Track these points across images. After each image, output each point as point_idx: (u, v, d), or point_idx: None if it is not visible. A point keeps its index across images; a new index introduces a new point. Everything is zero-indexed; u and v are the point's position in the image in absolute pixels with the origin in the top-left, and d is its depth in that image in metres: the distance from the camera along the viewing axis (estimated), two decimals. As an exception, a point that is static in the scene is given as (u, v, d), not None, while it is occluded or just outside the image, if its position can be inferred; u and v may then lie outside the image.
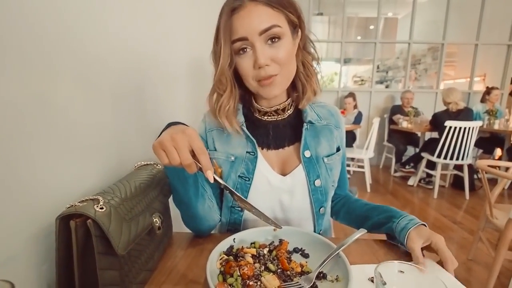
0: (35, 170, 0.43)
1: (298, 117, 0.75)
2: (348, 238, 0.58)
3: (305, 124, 0.73)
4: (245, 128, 0.71)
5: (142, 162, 0.67)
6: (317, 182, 0.72)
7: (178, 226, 0.76)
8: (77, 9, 0.52)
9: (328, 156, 0.75)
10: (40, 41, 0.44)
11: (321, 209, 0.74)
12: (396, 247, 0.66)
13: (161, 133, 0.52)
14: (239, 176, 0.71)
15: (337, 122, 0.79)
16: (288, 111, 0.74)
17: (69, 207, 0.41)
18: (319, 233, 0.77)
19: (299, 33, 0.66)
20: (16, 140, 0.39)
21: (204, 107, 0.79)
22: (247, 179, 0.71)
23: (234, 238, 0.61)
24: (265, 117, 0.73)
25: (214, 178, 0.49)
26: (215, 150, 0.75)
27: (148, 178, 0.59)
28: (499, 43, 4.39)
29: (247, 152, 0.72)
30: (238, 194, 0.54)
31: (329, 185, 0.75)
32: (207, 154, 0.48)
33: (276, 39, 0.60)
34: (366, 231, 0.62)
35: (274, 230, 0.65)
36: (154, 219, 0.55)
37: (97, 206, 0.42)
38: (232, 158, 0.72)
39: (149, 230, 0.54)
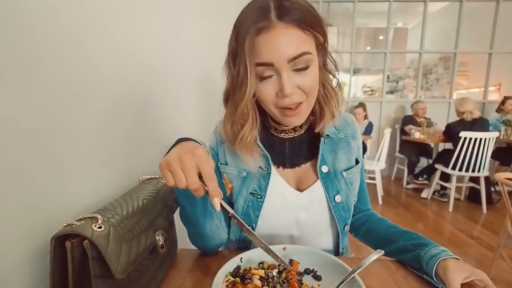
0: (29, 186, 0.40)
1: (314, 131, 0.70)
2: (365, 260, 0.54)
3: (322, 138, 0.68)
4: (260, 143, 0.67)
5: (147, 176, 0.64)
6: (338, 198, 0.68)
7: (184, 242, 0.73)
8: (84, 20, 0.51)
9: (347, 169, 0.71)
10: (46, 55, 0.42)
11: (345, 227, 0.70)
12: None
13: (169, 150, 0.49)
14: (250, 193, 0.68)
15: (354, 131, 0.75)
16: (305, 126, 0.70)
17: (65, 226, 0.39)
18: (342, 252, 0.73)
19: (323, 51, 0.61)
20: (11, 154, 0.37)
21: (213, 119, 0.77)
22: (259, 196, 0.67)
23: (241, 258, 0.58)
24: (282, 134, 0.70)
25: (221, 206, 0.45)
26: (226, 164, 0.71)
27: (152, 193, 0.56)
28: (514, 52, 4.28)
29: (260, 167, 0.68)
30: (246, 226, 0.50)
31: (350, 200, 0.71)
32: (216, 179, 0.44)
33: (304, 68, 0.55)
34: (383, 252, 0.57)
35: (284, 249, 0.61)
36: (157, 237, 0.52)
37: (95, 225, 0.39)
38: (244, 173, 0.69)
39: (152, 248, 0.51)
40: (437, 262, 0.54)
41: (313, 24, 0.55)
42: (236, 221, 0.49)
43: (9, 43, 0.37)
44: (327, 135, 0.69)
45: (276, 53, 0.52)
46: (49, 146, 0.44)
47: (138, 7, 0.71)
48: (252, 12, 0.54)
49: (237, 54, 0.55)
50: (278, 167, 0.69)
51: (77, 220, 0.40)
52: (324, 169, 0.68)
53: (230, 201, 0.72)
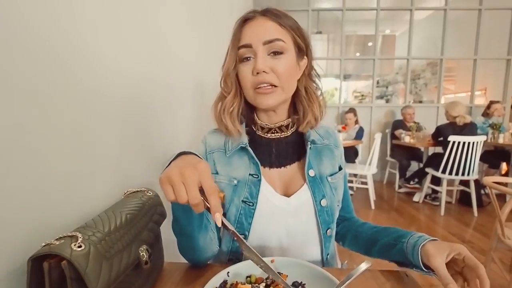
0: (6, 203, 0.39)
1: (300, 136, 0.75)
2: (353, 272, 0.54)
3: (309, 143, 0.71)
4: (249, 149, 0.69)
5: (133, 189, 0.63)
6: (323, 202, 0.70)
7: (170, 255, 0.72)
8: (79, 30, 0.51)
9: (332, 175, 0.73)
10: (41, 69, 0.41)
11: (328, 231, 0.71)
12: (401, 280, 0.61)
13: (169, 163, 0.49)
14: (242, 201, 0.68)
15: (336, 141, 0.79)
16: (291, 129, 0.74)
17: (44, 246, 0.38)
18: (327, 258, 0.73)
19: (305, 60, 0.70)
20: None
21: (205, 128, 0.77)
22: (251, 204, 0.68)
23: (228, 272, 0.57)
24: (269, 135, 0.73)
25: (222, 223, 0.45)
26: (217, 173, 0.72)
27: (137, 207, 0.55)
28: (497, 58, 4.41)
29: (250, 174, 0.69)
30: (246, 244, 0.48)
31: (334, 205, 0.72)
32: (217, 194, 0.44)
33: (278, 53, 0.63)
34: (370, 264, 0.57)
35: (272, 261, 0.60)
36: (142, 253, 0.51)
37: (74, 245, 0.38)
38: (235, 181, 0.70)
39: (136, 264, 0.50)
40: (419, 252, 0.57)
41: (292, 27, 0.65)
42: (235, 238, 0.48)
43: (10, 45, 0.36)
44: (313, 140, 0.72)
45: (253, 36, 0.63)
46: (29, 159, 0.43)
47: (128, 23, 0.71)
48: (245, 13, 0.67)
49: (229, 44, 0.67)
50: (264, 167, 0.72)
51: (56, 239, 0.39)
52: (311, 173, 0.70)
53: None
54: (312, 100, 0.72)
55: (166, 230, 0.65)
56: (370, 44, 5.17)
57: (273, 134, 0.73)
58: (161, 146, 0.94)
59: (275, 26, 0.63)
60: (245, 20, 0.65)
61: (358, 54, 5.54)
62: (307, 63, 0.70)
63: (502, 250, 1.89)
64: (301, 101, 0.72)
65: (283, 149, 0.72)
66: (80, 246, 0.38)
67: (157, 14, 0.91)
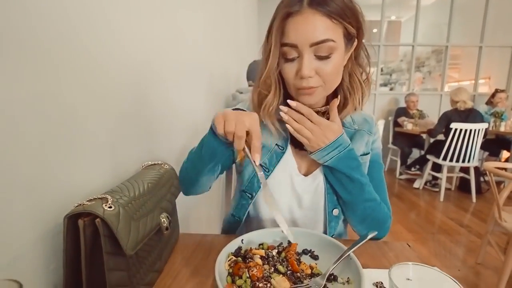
0: (42, 169, 0.42)
1: None
2: (359, 240, 0.57)
3: None
4: (279, 124, 0.70)
5: (150, 162, 0.66)
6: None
7: (184, 227, 0.76)
8: (88, 14, 0.52)
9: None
10: (50, 44, 0.43)
11: (334, 211, 0.72)
12: (406, 249, 0.65)
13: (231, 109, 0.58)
14: (260, 164, 0.70)
15: (371, 127, 0.76)
16: (328, 114, 0.70)
17: (77, 206, 0.41)
18: (332, 236, 0.75)
19: (355, 43, 0.63)
20: (23, 139, 0.39)
21: (215, 108, 0.79)
22: (266, 169, 0.71)
23: (242, 239, 0.60)
24: None
25: (254, 163, 0.53)
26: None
27: (156, 178, 0.58)
28: (503, 45, 4.36)
29: (276, 144, 0.72)
30: (268, 189, 0.57)
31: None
32: (261, 140, 0.53)
33: (325, 55, 0.57)
34: (376, 232, 0.60)
35: (282, 231, 0.64)
36: (162, 219, 0.54)
37: (105, 205, 0.41)
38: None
39: (157, 230, 0.53)
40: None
41: (343, 15, 0.57)
42: (260, 181, 0.57)
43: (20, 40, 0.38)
44: (343, 123, 0.71)
45: (300, 35, 0.56)
46: (60, 131, 0.45)
47: (138, 6, 0.72)
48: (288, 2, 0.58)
49: (269, 33, 0.61)
50: (295, 147, 0.72)
51: (88, 200, 0.42)
52: None
53: (239, 166, 0.77)
54: (355, 89, 0.67)
55: (180, 205, 0.69)
56: (375, 30, 5.09)
57: None
58: (175, 126, 0.97)
59: (324, 22, 0.55)
60: (289, 14, 0.56)
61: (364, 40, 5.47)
62: (356, 45, 0.64)
63: (498, 233, 1.95)
64: (343, 89, 0.68)
65: None
66: (110, 207, 0.41)
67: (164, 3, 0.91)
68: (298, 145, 0.72)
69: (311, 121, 0.63)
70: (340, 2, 0.56)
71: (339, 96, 0.68)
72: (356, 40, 0.63)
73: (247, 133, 0.53)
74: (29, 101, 0.39)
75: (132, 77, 0.69)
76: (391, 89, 5.74)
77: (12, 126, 0.37)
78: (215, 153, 0.62)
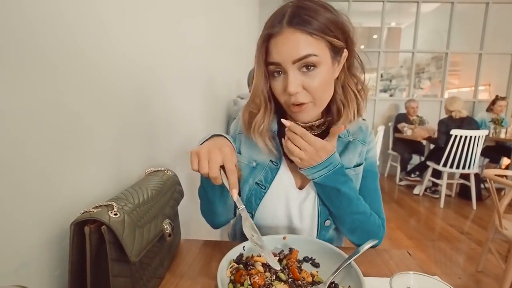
0: (47, 176, 0.43)
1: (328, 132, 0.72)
2: (360, 248, 0.58)
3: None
4: (276, 138, 0.71)
5: (153, 168, 0.67)
6: None
7: (185, 233, 0.76)
8: (89, 19, 0.53)
9: (347, 169, 0.72)
10: (52, 51, 0.44)
11: (326, 222, 0.72)
12: (407, 257, 0.65)
13: (202, 143, 0.59)
14: (256, 182, 0.72)
15: (365, 136, 0.75)
16: (322, 127, 0.71)
17: (83, 213, 0.41)
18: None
19: (344, 53, 0.62)
20: (30, 146, 0.40)
21: (217, 115, 0.80)
22: (263, 187, 0.72)
23: (244, 246, 0.61)
24: None
25: (232, 198, 0.54)
26: (240, 153, 0.76)
27: (159, 184, 0.59)
28: (503, 53, 4.39)
29: (270, 160, 0.72)
30: (251, 221, 0.56)
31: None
32: (236, 174, 0.54)
33: (311, 67, 0.58)
34: (377, 240, 0.61)
35: (284, 238, 0.64)
36: (165, 226, 0.55)
37: (111, 212, 0.42)
38: (254, 164, 0.73)
39: (160, 236, 0.54)
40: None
41: (325, 30, 0.57)
42: (242, 214, 0.56)
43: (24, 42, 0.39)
44: (338, 136, 0.70)
45: (282, 54, 0.57)
46: (66, 140, 0.46)
47: (141, 13, 0.73)
48: (272, 16, 0.60)
49: (256, 53, 0.62)
50: (291, 162, 0.69)
51: (94, 208, 0.42)
52: None
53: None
54: (349, 100, 0.66)
55: (181, 211, 0.70)
56: (375, 36, 5.13)
57: None
58: (178, 132, 0.98)
59: (305, 39, 0.56)
60: (270, 36, 0.58)
61: (362, 46, 5.51)
62: (347, 55, 0.63)
63: (499, 241, 1.95)
64: (336, 102, 0.67)
65: None
66: (116, 214, 0.42)
67: (166, 6, 0.93)
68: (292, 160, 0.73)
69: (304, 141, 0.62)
70: (322, 18, 0.56)
71: (340, 124, 0.66)
72: (346, 50, 0.62)
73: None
74: (34, 110, 0.40)
75: (134, 84, 0.70)
76: (391, 95, 5.77)
77: (19, 135, 0.38)
78: (214, 185, 0.60)
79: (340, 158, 0.68)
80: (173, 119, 0.96)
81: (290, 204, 0.72)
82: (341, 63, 0.63)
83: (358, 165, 0.74)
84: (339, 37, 0.59)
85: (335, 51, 0.60)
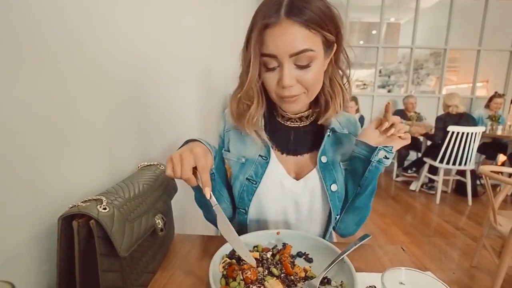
0: (37, 169, 0.42)
1: (319, 126, 0.73)
2: (353, 244, 0.57)
3: (328, 130, 0.71)
4: (265, 132, 0.70)
5: (145, 163, 0.66)
6: (333, 187, 0.71)
7: (180, 228, 0.76)
8: (81, 11, 0.52)
9: (345, 161, 0.73)
10: (44, 42, 0.43)
11: (337, 216, 0.73)
12: (401, 253, 0.65)
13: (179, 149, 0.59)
14: (246, 178, 0.72)
15: (356, 129, 0.77)
16: (311, 118, 0.73)
17: (71, 207, 0.41)
18: (327, 238, 0.76)
19: (334, 47, 0.63)
20: (18, 139, 0.39)
21: (213, 109, 0.79)
22: (254, 182, 0.71)
23: (237, 241, 0.60)
24: (288, 123, 0.73)
25: (210, 196, 0.54)
26: (229, 151, 0.76)
27: (152, 179, 0.58)
28: (501, 49, 4.39)
29: (259, 155, 0.72)
30: (226, 220, 0.55)
31: (344, 191, 0.74)
32: (208, 172, 0.54)
33: (306, 62, 0.58)
34: (370, 236, 0.61)
35: (277, 233, 0.64)
36: (157, 220, 0.54)
37: (100, 207, 0.41)
38: (243, 160, 0.73)
39: (152, 231, 0.53)
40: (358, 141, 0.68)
41: (321, 24, 0.56)
42: (216, 211, 0.55)
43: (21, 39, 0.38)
44: (333, 128, 0.72)
45: (279, 47, 0.56)
46: (56, 132, 0.45)
47: (137, 5, 0.72)
48: (266, 5, 0.57)
49: (248, 43, 0.59)
50: (282, 153, 0.73)
51: (83, 202, 0.42)
52: (324, 159, 0.71)
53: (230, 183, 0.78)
54: (336, 92, 0.68)
55: (175, 205, 0.69)
56: (374, 32, 5.11)
57: (292, 123, 0.72)
58: (172, 126, 0.97)
59: (303, 33, 0.55)
60: (267, 26, 0.56)
61: (361, 42, 5.49)
62: (336, 49, 0.63)
63: (493, 237, 1.96)
64: (324, 94, 0.68)
65: (301, 138, 0.73)
66: (105, 208, 0.42)
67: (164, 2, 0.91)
68: (284, 150, 0.73)
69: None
70: (317, 10, 0.55)
71: (329, 115, 0.70)
72: (335, 44, 0.63)
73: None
74: (24, 101, 0.39)
75: (128, 77, 0.69)
76: (389, 91, 5.76)
77: (7, 126, 0.37)
78: (199, 189, 0.61)
79: (340, 151, 0.73)
80: (167, 112, 0.95)
81: (286, 196, 0.72)
82: (330, 57, 0.63)
83: None
84: (332, 31, 0.59)
85: (328, 45, 0.61)
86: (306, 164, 0.73)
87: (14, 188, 0.38)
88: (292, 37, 0.55)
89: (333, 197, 0.71)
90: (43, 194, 0.43)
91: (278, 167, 0.72)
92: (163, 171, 0.64)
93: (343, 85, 0.69)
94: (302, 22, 0.54)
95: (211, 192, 0.54)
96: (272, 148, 0.72)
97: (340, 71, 0.68)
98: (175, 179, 0.64)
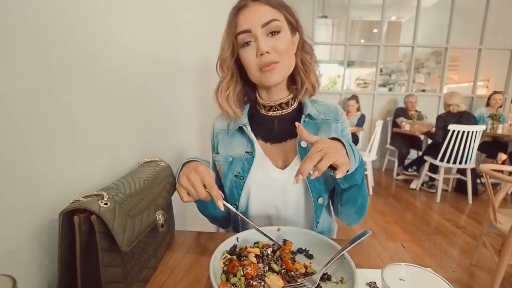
0: (38, 165, 0.42)
1: (301, 113, 0.77)
2: (353, 240, 0.57)
3: (303, 116, 0.76)
4: (246, 128, 0.75)
5: (146, 159, 0.66)
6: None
7: (181, 224, 0.76)
8: (81, 7, 0.52)
9: None
10: (44, 39, 0.43)
11: (319, 199, 0.74)
12: (401, 250, 0.65)
13: (178, 173, 0.63)
14: (235, 175, 0.75)
15: (337, 116, 0.80)
16: (292, 106, 0.78)
17: (73, 202, 0.41)
18: (317, 224, 0.77)
19: (297, 35, 0.73)
20: (20, 135, 0.39)
21: (212, 105, 0.79)
22: (241, 177, 0.75)
23: (238, 238, 0.61)
24: (271, 112, 0.77)
25: (225, 206, 0.58)
26: (218, 153, 0.80)
27: (152, 175, 0.58)
28: (502, 48, 4.37)
29: (246, 152, 0.75)
30: (243, 217, 0.62)
31: (326, 174, 0.74)
32: (215, 187, 0.58)
33: (276, 32, 0.67)
34: (370, 232, 0.61)
35: (278, 230, 0.64)
36: (158, 216, 0.54)
37: (101, 202, 0.41)
38: (230, 159, 0.77)
39: (152, 227, 0.53)
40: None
41: (281, 5, 0.69)
42: (235, 214, 0.62)
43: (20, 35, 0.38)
44: (309, 114, 0.76)
45: (250, 21, 0.66)
46: (56, 128, 0.45)
47: (137, 2, 0.72)
48: (235, 3, 0.69)
49: (225, 33, 0.70)
50: (266, 143, 0.77)
51: (84, 197, 0.42)
52: (303, 144, 0.73)
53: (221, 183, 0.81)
54: (309, 70, 0.76)
55: (175, 202, 0.69)
56: (375, 30, 5.09)
57: (274, 112, 0.77)
58: (172, 123, 0.97)
59: (268, 9, 0.67)
60: (238, 9, 0.68)
61: (362, 40, 5.47)
62: (299, 37, 0.74)
63: (493, 235, 1.97)
64: (298, 73, 0.75)
65: (284, 125, 0.77)
66: (106, 203, 0.42)
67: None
68: (268, 139, 0.77)
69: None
70: (278, 0, 0.68)
71: (300, 123, 0.72)
72: (298, 33, 0.73)
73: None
74: (25, 98, 0.39)
75: (129, 74, 0.69)
76: (390, 90, 5.75)
77: (8, 122, 0.37)
78: (204, 203, 0.70)
79: (320, 136, 0.71)
80: (168, 109, 0.95)
81: (273, 186, 0.74)
82: (296, 43, 0.73)
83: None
84: (291, 15, 0.71)
85: (291, 26, 0.71)
86: (290, 150, 0.76)
87: (15, 183, 0.38)
88: (259, 12, 0.66)
89: (312, 180, 0.73)
90: (44, 189, 0.43)
91: (264, 160, 0.75)
92: (164, 168, 0.64)
93: (314, 64, 0.77)
94: (266, 2, 0.67)
95: (224, 202, 0.58)
96: (258, 140, 0.76)
97: (308, 55, 0.76)
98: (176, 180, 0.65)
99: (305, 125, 0.75)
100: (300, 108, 0.78)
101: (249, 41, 0.67)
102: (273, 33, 0.67)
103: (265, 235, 0.61)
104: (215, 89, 0.76)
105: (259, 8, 0.67)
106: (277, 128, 0.77)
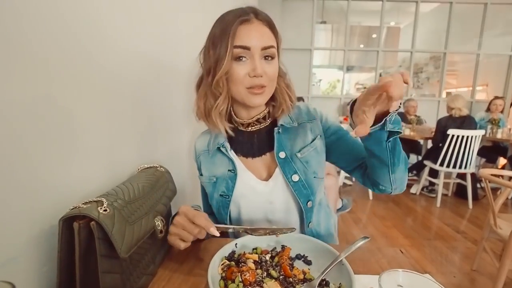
0: (38, 171, 0.43)
1: (275, 123, 0.78)
2: (351, 246, 0.58)
3: (276, 128, 0.76)
4: (225, 149, 0.75)
5: (145, 165, 0.67)
6: (295, 177, 0.73)
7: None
8: (83, 11, 0.53)
9: (300, 150, 0.76)
10: (45, 43, 0.44)
11: (308, 203, 0.75)
12: (399, 256, 0.66)
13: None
14: (220, 195, 0.76)
15: (309, 115, 0.80)
16: (269, 119, 0.77)
17: (72, 209, 0.41)
18: (309, 224, 0.77)
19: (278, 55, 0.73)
20: (20, 141, 0.40)
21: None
22: (226, 196, 0.76)
23: (236, 244, 0.61)
24: (249, 128, 0.77)
25: (218, 229, 0.58)
26: (201, 175, 0.81)
27: (151, 181, 0.59)
28: (501, 53, 4.40)
29: (228, 170, 0.76)
30: (249, 229, 0.61)
31: (310, 177, 0.75)
32: (202, 217, 0.58)
33: (270, 58, 0.67)
34: (369, 238, 0.61)
35: (276, 236, 0.64)
36: (157, 222, 0.55)
37: (100, 208, 0.42)
38: (214, 179, 0.78)
39: (151, 233, 0.54)
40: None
41: (276, 30, 0.70)
42: (232, 231, 0.63)
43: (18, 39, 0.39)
44: (281, 125, 0.76)
45: (253, 40, 0.65)
46: (56, 134, 0.46)
47: (137, 7, 0.73)
48: (233, 12, 0.67)
49: (219, 40, 0.65)
50: (247, 158, 0.78)
51: (84, 203, 0.42)
52: (282, 155, 0.74)
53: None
54: (284, 92, 0.75)
55: (175, 208, 0.69)
56: (374, 35, 5.13)
57: (253, 127, 0.77)
58: (172, 129, 0.97)
59: (269, 33, 0.67)
60: (241, 22, 0.65)
61: (362, 45, 5.51)
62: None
63: (493, 240, 1.96)
64: (277, 94, 0.75)
65: (263, 139, 0.77)
66: (105, 210, 0.42)
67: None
68: (249, 155, 0.77)
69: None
70: (271, 20, 0.69)
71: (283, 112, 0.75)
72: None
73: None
74: (25, 103, 0.40)
75: (129, 79, 0.70)
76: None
77: (8, 128, 0.38)
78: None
79: (294, 144, 0.76)
80: (168, 114, 0.96)
81: (260, 199, 0.75)
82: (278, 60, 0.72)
83: (314, 139, 0.77)
84: (278, 39, 0.71)
85: (278, 49, 0.71)
86: (271, 162, 0.77)
87: (15, 189, 0.39)
88: (263, 33, 0.66)
89: (297, 187, 0.74)
90: (43, 195, 0.44)
91: (246, 175, 0.76)
92: (163, 174, 0.65)
93: (287, 85, 0.77)
94: (267, 25, 0.67)
95: (216, 227, 0.58)
96: (239, 157, 0.77)
97: (282, 78, 0.76)
98: (175, 181, 0.66)
99: (280, 136, 0.76)
100: (275, 120, 0.78)
101: (243, 57, 0.65)
102: (267, 57, 0.67)
103: (268, 229, 0.61)
104: (199, 101, 0.72)
105: (262, 29, 0.66)
106: (256, 142, 0.77)
